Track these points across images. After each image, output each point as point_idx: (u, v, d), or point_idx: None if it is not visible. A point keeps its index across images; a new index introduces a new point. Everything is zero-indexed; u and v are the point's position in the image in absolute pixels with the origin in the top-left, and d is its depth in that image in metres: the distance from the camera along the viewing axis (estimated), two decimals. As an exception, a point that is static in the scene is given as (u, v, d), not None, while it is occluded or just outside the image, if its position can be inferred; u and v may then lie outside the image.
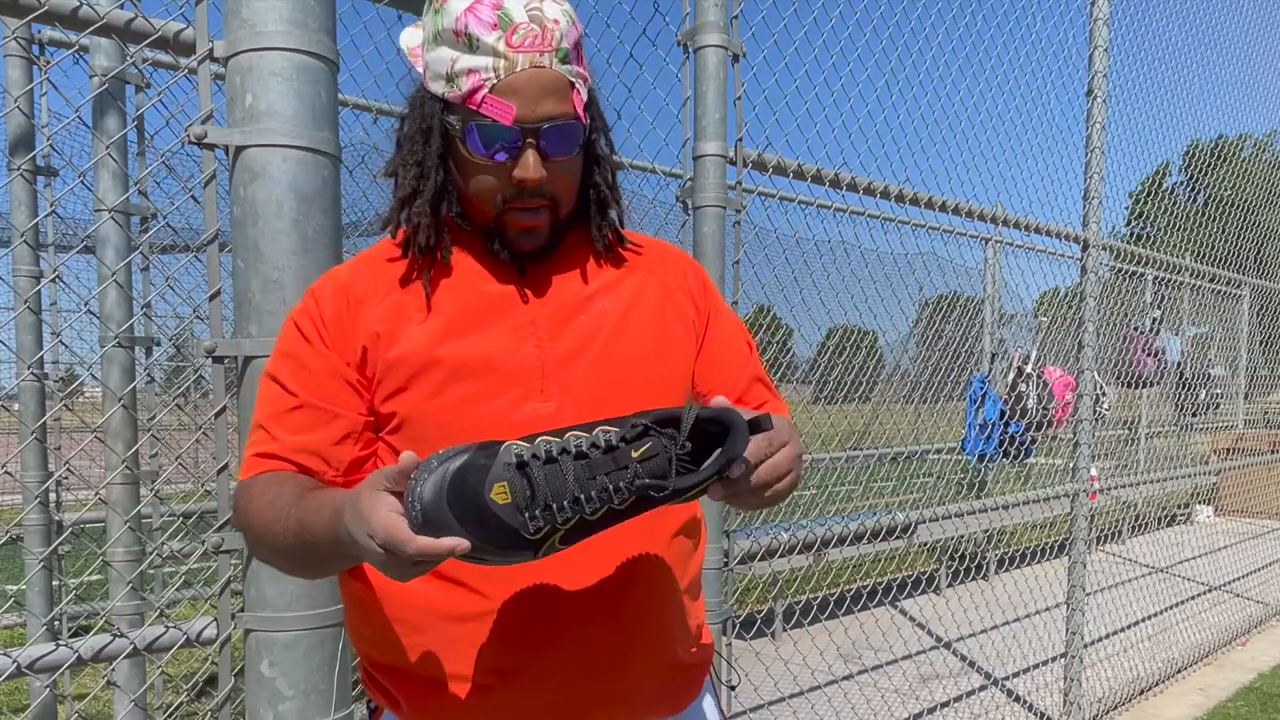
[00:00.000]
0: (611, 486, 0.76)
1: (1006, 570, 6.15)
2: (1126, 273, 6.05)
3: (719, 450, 0.82)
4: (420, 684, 1.01)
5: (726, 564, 2.04)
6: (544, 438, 0.78)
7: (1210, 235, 5.84)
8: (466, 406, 0.98)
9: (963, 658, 4.48)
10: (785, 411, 1.23)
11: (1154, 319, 6.74)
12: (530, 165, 0.95)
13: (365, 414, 1.00)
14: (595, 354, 1.02)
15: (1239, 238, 6.17)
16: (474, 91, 0.93)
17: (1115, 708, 3.74)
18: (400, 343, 0.98)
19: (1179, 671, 4.27)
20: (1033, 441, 6.29)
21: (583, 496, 0.75)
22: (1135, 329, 6.62)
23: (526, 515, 0.74)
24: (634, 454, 0.78)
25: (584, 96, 0.99)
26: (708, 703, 1.16)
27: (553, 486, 0.75)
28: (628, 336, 1.05)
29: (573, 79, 0.97)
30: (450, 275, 1.03)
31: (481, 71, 0.93)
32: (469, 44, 0.92)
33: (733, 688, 2.05)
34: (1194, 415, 7.69)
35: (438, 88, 0.97)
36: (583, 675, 0.99)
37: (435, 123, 0.99)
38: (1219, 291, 7.42)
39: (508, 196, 0.98)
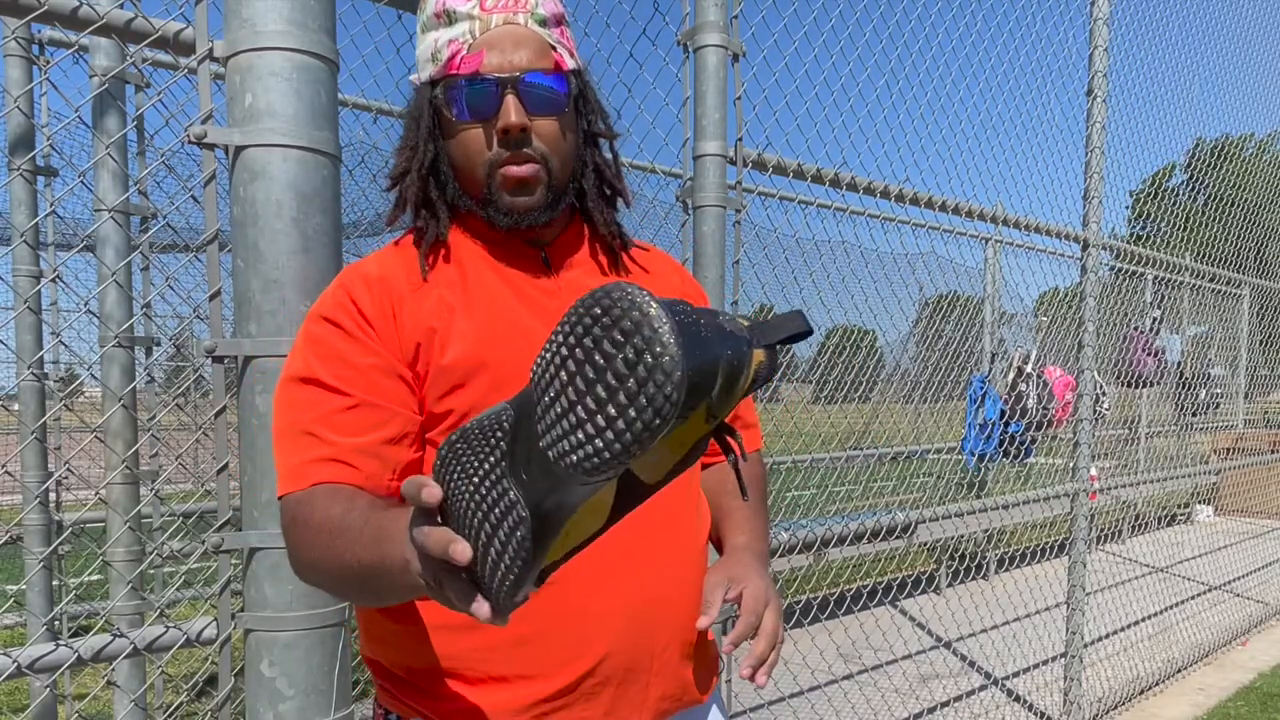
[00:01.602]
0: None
1: (1006, 570, 6.15)
2: (1126, 272, 6.04)
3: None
4: (464, 684, 0.98)
5: (726, 564, 2.04)
6: None
7: (1211, 235, 5.84)
8: None
9: (963, 658, 4.48)
10: (758, 435, 1.23)
11: (1154, 319, 6.74)
12: (511, 112, 0.95)
13: (418, 412, 0.97)
14: None
15: (1240, 237, 6.17)
16: (452, 57, 0.96)
17: (1115, 707, 3.74)
18: (453, 342, 0.97)
19: (1179, 671, 4.27)
20: (1033, 441, 6.29)
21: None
22: (1135, 329, 6.62)
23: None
24: None
25: (568, 62, 1.00)
26: (718, 697, 1.19)
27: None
28: None
29: (552, 42, 0.99)
30: (485, 272, 1.03)
31: (459, 38, 0.96)
32: (448, 19, 0.96)
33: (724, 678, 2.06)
34: (1194, 415, 7.69)
35: (426, 72, 1.00)
36: (636, 659, 0.99)
37: (425, 104, 1.01)
38: (1219, 291, 7.42)
39: (497, 155, 0.98)
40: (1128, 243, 4.82)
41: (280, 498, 0.93)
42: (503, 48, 0.95)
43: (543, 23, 0.98)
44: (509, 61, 0.95)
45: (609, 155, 1.10)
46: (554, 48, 0.98)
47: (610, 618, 0.98)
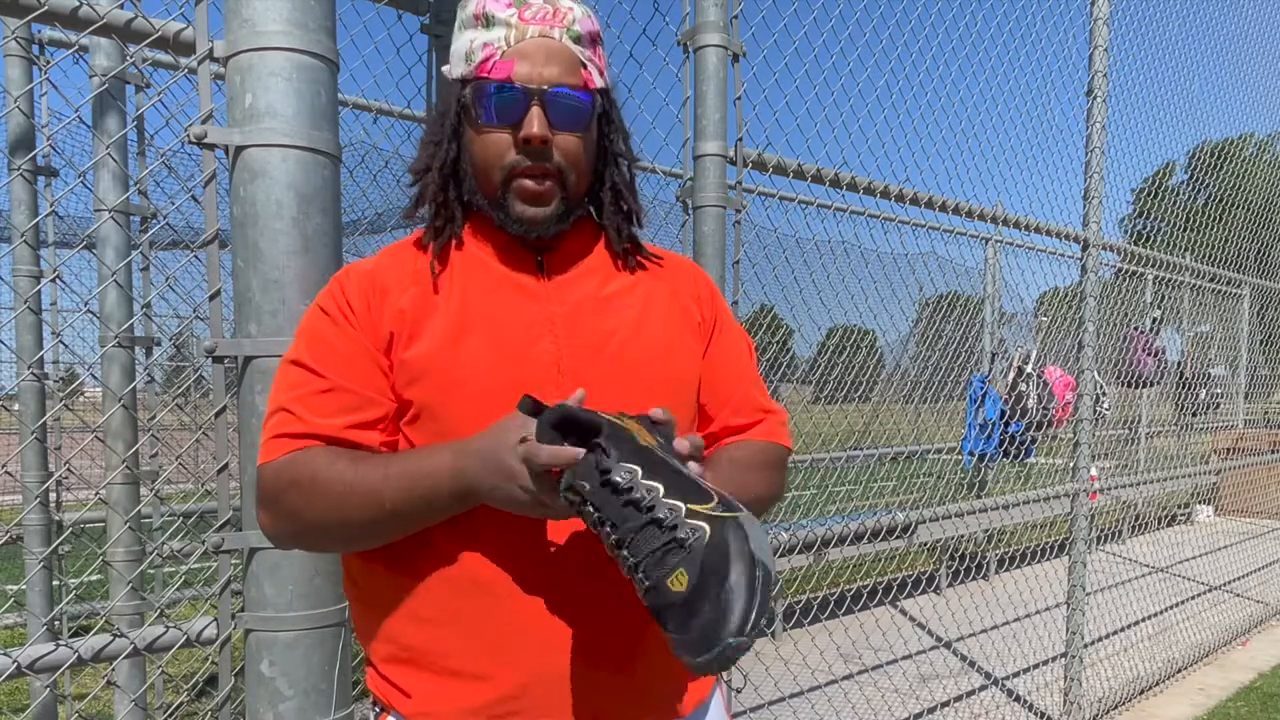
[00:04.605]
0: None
1: (1006, 570, 6.15)
2: (1127, 272, 6.04)
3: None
4: (429, 677, 1.00)
5: (726, 564, 2.03)
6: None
7: (1211, 235, 5.84)
8: (483, 399, 0.98)
9: (963, 658, 4.48)
10: (784, 424, 1.22)
11: (1154, 319, 6.74)
12: (534, 123, 0.97)
13: (393, 399, 1.01)
14: (610, 354, 1.04)
15: (1240, 237, 6.17)
16: (485, 60, 0.98)
17: (1115, 707, 3.74)
18: (424, 334, 1.00)
19: (1179, 671, 4.27)
20: (1033, 441, 6.29)
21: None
22: (1135, 329, 6.62)
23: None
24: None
25: (596, 81, 1.02)
26: (714, 705, 1.16)
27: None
28: (641, 340, 1.06)
29: (584, 60, 1.01)
30: (472, 270, 1.05)
31: (494, 43, 0.98)
32: (486, 22, 0.99)
33: (738, 690, 2.04)
34: (1194, 415, 7.69)
35: (458, 70, 1.02)
36: (594, 672, 0.99)
37: (452, 102, 1.03)
38: (1219, 291, 7.41)
39: (515, 162, 1.00)
40: (1127, 243, 4.82)
41: (259, 466, 0.99)
42: (534, 59, 0.97)
43: (577, 40, 1.00)
44: (539, 73, 0.97)
45: (627, 176, 1.11)
46: (585, 65, 1.01)
47: (559, 633, 0.98)
